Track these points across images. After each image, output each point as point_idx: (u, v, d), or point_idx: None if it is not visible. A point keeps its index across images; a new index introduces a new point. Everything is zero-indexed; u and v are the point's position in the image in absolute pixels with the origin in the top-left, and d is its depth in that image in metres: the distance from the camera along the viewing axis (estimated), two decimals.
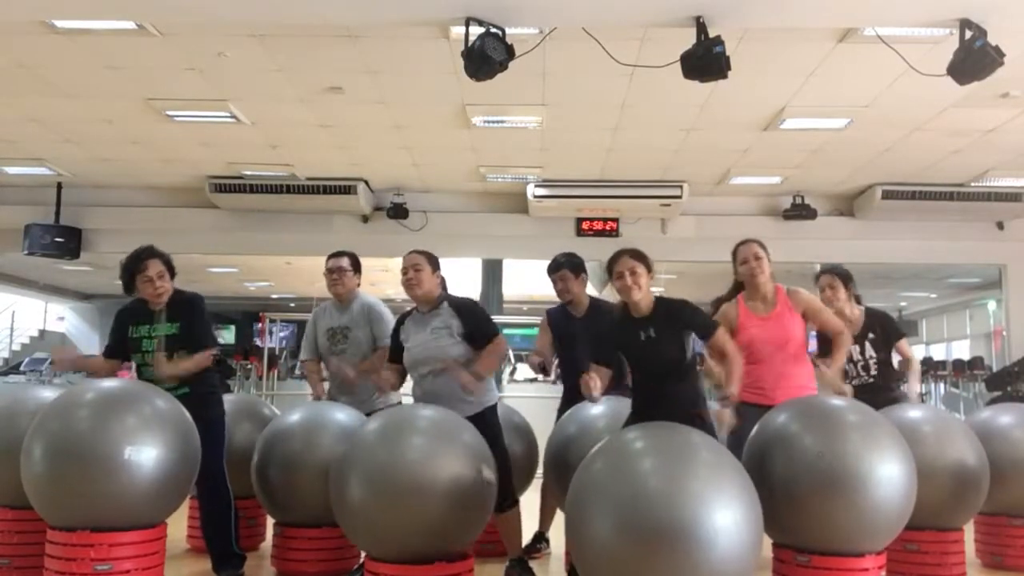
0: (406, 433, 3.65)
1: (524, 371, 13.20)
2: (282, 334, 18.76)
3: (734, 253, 4.30)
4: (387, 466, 3.53)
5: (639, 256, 3.69)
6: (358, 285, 4.95)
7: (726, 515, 2.94)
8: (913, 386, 4.96)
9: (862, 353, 4.86)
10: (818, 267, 9.21)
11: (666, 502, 2.93)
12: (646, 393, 3.75)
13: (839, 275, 4.92)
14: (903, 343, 4.97)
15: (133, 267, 4.27)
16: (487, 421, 4.09)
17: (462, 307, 4.24)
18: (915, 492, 3.61)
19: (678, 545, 2.88)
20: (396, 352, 4.32)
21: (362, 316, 4.84)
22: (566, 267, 4.81)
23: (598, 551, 3.02)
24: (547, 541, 5.03)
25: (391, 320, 4.62)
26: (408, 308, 4.40)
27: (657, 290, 3.85)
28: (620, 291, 3.66)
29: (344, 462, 3.69)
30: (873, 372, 4.86)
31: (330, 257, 4.94)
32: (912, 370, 5.00)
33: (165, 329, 4.29)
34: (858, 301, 5.01)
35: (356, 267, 4.93)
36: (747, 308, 4.26)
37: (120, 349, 4.39)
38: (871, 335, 4.87)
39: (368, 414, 4.50)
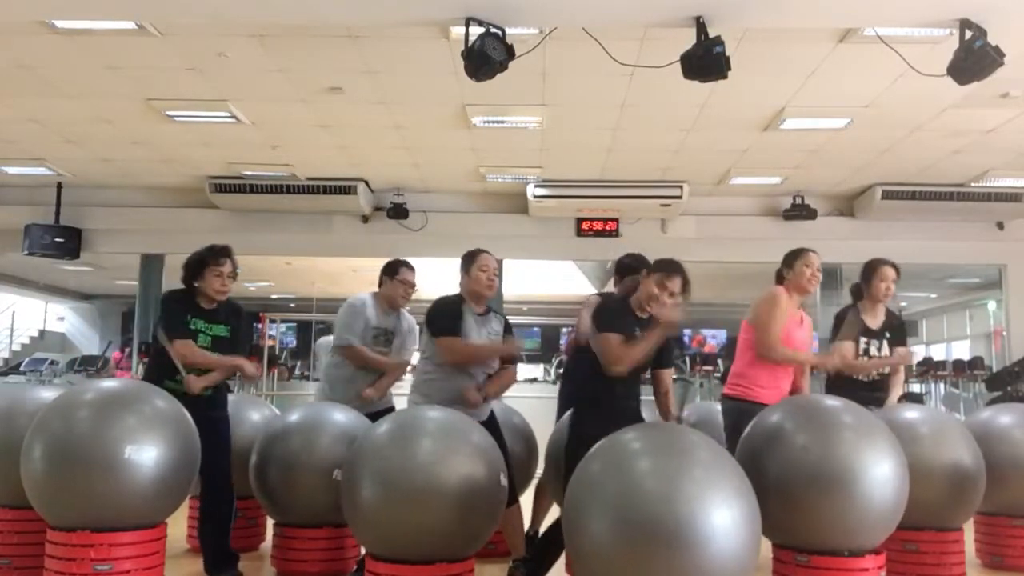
0: (419, 435, 3.66)
1: (524, 371, 13.21)
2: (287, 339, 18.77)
3: (807, 259, 4.40)
4: (401, 468, 3.54)
5: (687, 280, 3.83)
6: None
7: (723, 514, 2.94)
8: (896, 391, 4.90)
9: (879, 350, 4.80)
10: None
11: (662, 502, 2.92)
12: (615, 387, 3.83)
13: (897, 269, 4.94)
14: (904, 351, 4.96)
15: (210, 258, 4.29)
16: (495, 420, 4.30)
17: (507, 322, 4.46)
18: (907, 488, 3.62)
19: (675, 545, 2.87)
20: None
21: (405, 328, 5.00)
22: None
23: (595, 552, 3.02)
24: (537, 536, 5.02)
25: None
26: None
27: None
28: (657, 301, 3.77)
29: (356, 463, 3.70)
30: (884, 370, 4.84)
31: (406, 268, 4.94)
32: (898, 375, 4.93)
33: (220, 331, 4.33)
34: None
35: None
36: (791, 310, 4.39)
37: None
38: (887, 334, 4.84)
39: (369, 415, 4.52)
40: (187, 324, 4.26)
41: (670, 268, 3.83)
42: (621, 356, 3.71)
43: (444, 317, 4.24)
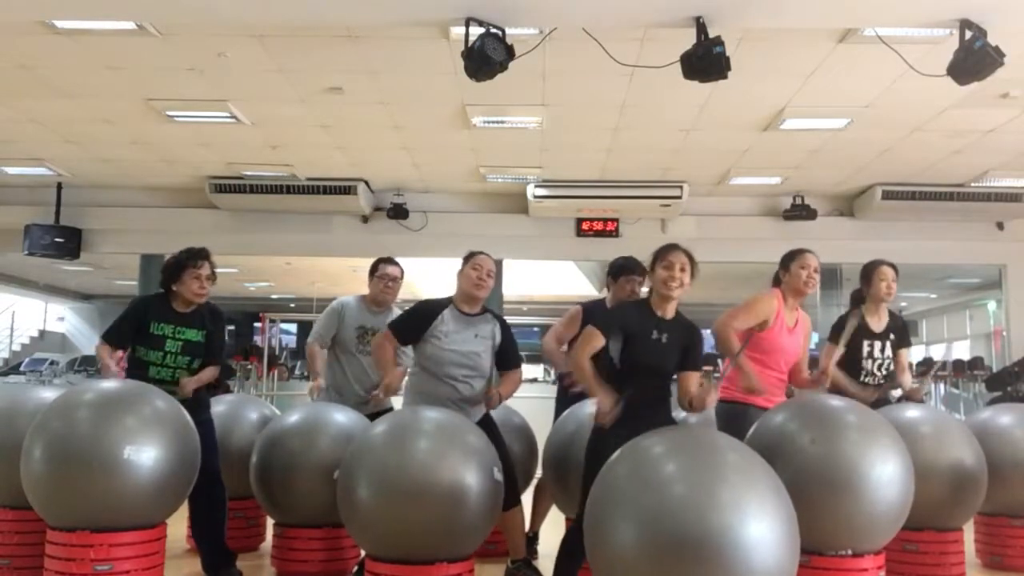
0: (415, 435, 3.66)
1: (524, 371, 13.16)
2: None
3: (803, 260, 4.29)
4: (396, 468, 3.54)
5: (692, 258, 3.62)
6: None
7: (761, 525, 2.78)
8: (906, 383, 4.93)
9: (882, 351, 4.79)
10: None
11: (695, 512, 2.76)
12: (636, 394, 3.52)
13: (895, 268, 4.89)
14: (906, 353, 4.92)
15: (187, 261, 4.29)
16: (492, 420, 4.28)
17: (505, 325, 4.37)
18: (912, 492, 3.61)
19: (711, 559, 2.70)
20: (415, 335, 4.22)
21: None
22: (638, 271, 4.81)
23: (622, 567, 2.85)
24: (536, 537, 5.03)
25: None
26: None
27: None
28: (664, 281, 3.54)
29: (352, 464, 3.70)
30: (885, 372, 4.81)
31: (385, 263, 4.96)
32: (904, 376, 4.92)
33: (192, 335, 4.32)
34: None
35: (402, 276, 5.01)
36: (783, 315, 4.24)
37: (128, 337, 4.29)
38: (892, 336, 4.82)
39: (368, 416, 4.53)
40: (136, 328, 4.25)
41: (665, 248, 3.62)
42: (579, 360, 3.50)
43: (402, 314, 4.36)
